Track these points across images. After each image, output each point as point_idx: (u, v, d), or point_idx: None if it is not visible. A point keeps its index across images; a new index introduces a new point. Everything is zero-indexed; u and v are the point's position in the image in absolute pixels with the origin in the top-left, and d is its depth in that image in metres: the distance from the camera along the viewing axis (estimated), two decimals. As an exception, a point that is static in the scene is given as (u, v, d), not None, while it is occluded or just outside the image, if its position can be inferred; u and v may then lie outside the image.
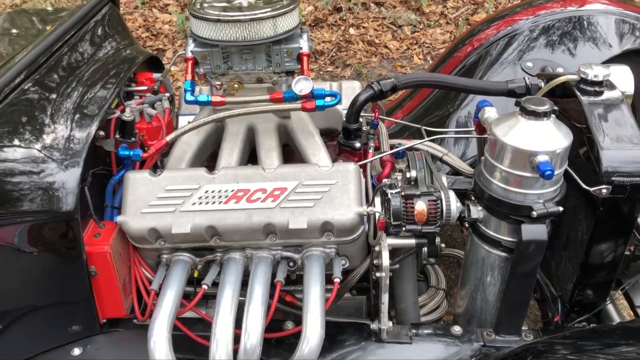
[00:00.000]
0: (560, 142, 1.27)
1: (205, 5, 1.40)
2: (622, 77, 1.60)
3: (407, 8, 4.09)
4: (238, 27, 1.31)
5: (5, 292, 1.24)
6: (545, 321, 1.62)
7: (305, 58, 1.39)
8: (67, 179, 1.22)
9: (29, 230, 1.21)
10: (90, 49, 1.61)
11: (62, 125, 1.30)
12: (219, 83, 1.41)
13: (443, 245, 1.48)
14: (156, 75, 1.60)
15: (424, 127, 1.65)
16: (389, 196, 1.34)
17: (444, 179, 1.45)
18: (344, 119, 1.51)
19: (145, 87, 1.56)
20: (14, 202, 1.20)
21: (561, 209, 1.30)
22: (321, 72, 3.48)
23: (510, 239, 1.35)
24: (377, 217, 1.30)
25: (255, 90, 1.43)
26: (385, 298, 1.34)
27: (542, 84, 1.52)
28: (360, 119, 1.54)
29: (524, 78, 1.55)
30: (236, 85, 1.38)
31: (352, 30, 3.85)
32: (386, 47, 3.70)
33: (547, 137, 1.27)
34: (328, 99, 1.36)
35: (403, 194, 1.34)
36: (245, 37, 1.33)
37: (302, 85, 1.32)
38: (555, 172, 1.24)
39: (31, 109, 1.33)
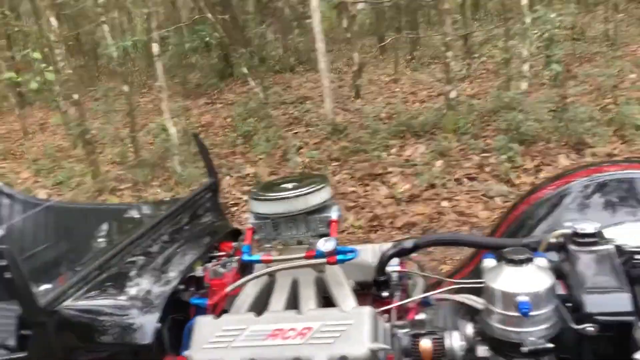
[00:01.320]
0: (539, 284, 1.47)
1: (259, 189, 1.89)
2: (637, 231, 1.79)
3: (499, 180, 4.39)
4: (279, 204, 1.76)
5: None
6: None
7: (333, 224, 1.78)
8: (147, 320, 1.65)
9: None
10: (187, 224, 2.15)
11: (149, 281, 1.78)
12: (269, 245, 1.84)
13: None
14: (234, 244, 2.08)
15: (447, 279, 1.90)
16: (399, 335, 1.58)
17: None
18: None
19: (224, 253, 2.03)
20: (102, 336, 1.65)
21: (551, 345, 1.45)
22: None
23: None
24: (385, 353, 1.54)
25: (297, 250, 1.81)
26: None
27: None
28: (393, 273, 1.85)
29: (543, 234, 1.78)
30: (280, 247, 1.80)
31: (444, 203, 4.20)
32: (476, 216, 3.97)
33: (527, 281, 1.48)
34: (348, 254, 1.71)
35: (411, 333, 1.58)
36: (285, 210, 1.77)
37: (326, 245, 1.69)
38: (540, 311, 1.44)
39: (129, 270, 1.83)
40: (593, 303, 1.47)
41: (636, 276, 1.76)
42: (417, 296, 1.81)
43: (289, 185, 1.85)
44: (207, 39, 9.96)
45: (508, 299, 1.49)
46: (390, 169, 4.97)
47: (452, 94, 5.66)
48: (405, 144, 5.56)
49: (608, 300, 1.47)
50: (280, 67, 10.64)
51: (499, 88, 6.23)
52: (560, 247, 1.68)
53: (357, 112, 6.92)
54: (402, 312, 1.82)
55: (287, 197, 1.76)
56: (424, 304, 1.78)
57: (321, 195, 1.79)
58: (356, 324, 1.62)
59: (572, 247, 1.60)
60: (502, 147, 4.64)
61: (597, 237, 1.60)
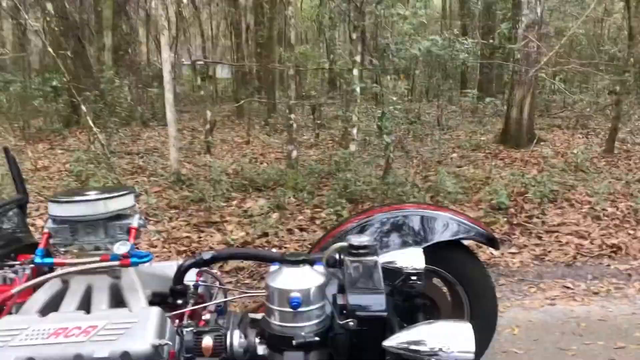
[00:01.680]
0: (311, 283, 1.66)
1: (60, 193, 1.91)
2: (414, 256, 2.08)
3: (326, 231, 4.67)
4: (78, 207, 1.79)
5: None
6: None
7: (133, 231, 1.84)
8: None
9: None
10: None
11: None
12: (65, 250, 1.84)
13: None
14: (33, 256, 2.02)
15: (235, 289, 2.02)
16: (184, 333, 1.66)
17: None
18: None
19: (19, 262, 1.98)
20: None
21: (318, 339, 1.62)
22: (238, 284, 3.88)
23: None
24: (167, 349, 1.60)
25: (93, 256, 1.83)
26: None
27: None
28: (190, 283, 1.93)
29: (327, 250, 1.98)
30: (75, 250, 1.81)
31: (273, 249, 4.37)
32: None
33: (300, 280, 1.66)
34: (143, 258, 1.77)
35: (195, 330, 1.67)
36: (83, 213, 1.79)
37: (120, 248, 1.74)
38: (310, 307, 1.62)
39: None
40: (354, 301, 1.69)
41: (410, 292, 2.04)
42: (208, 303, 1.91)
43: (91, 191, 1.89)
44: (55, 82, 9.59)
45: (282, 295, 1.65)
46: (227, 218, 5.07)
47: (294, 154, 5.99)
48: (247, 197, 5.73)
49: (366, 300, 1.69)
50: (132, 120, 10.49)
51: (336, 153, 6.73)
52: (338, 259, 1.90)
53: (205, 167, 7.01)
54: (197, 317, 1.90)
55: (86, 200, 1.79)
56: (220, 312, 1.88)
57: (122, 202, 1.85)
58: (142, 322, 1.67)
59: (347, 257, 1.82)
60: (331, 201, 4.98)
61: (367, 250, 1.84)
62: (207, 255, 1.92)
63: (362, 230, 2.58)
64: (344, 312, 1.67)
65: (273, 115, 11.43)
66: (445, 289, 2.65)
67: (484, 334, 2.64)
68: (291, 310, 1.62)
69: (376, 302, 1.68)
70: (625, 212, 5.12)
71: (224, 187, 5.65)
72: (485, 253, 4.28)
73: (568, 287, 3.82)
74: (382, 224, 2.60)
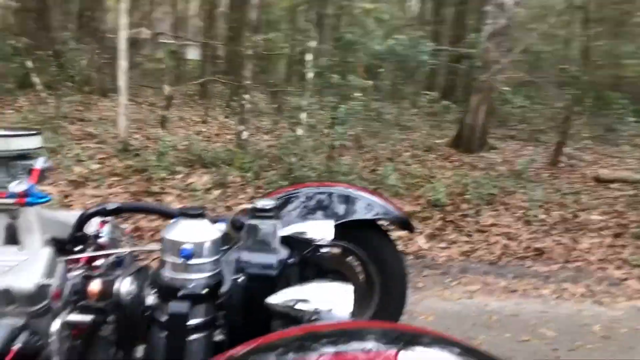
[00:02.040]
0: (204, 237, 1.69)
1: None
2: (324, 228, 2.15)
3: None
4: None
5: None
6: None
7: (35, 171, 1.83)
8: None
9: None
10: None
11: None
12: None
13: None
14: None
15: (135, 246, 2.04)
16: (73, 276, 1.67)
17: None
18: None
19: None
20: None
21: (205, 290, 1.65)
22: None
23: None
24: (53, 289, 1.61)
25: (-7, 195, 1.82)
26: (55, 362, 1.58)
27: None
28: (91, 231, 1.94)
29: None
30: (-28, 188, 1.79)
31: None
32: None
33: (194, 233, 1.69)
34: (41, 198, 1.77)
35: (85, 274, 1.68)
36: (-18, 151, 1.78)
37: (18, 186, 1.74)
38: (202, 260, 1.65)
39: None
40: (246, 258, 1.73)
41: (320, 264, 2.10)
42: (106, 251, 1.92)
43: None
44: (14, 42, 9.32)
45: (175, 247, 1.68)
46: (168, 190, 5.05)
47: (244, 135, 6.01)
48: (192, 173, 5.71)
49: (258, 258, 1.74)
50: (91, 88, 10.29)
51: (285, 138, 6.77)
52: (241, 220, 1.94)
53: (155, 140, 6.95)
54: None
55: (-19, 136, 1.78)
56: (119, 263, 1.90)
57: (26, 142, 1.84)
58: (30, 261, 1.67)
59: (251, 219, 1.86)
60: (273, 182, 5.02)
61: (269, 213, 1.88)
62: (111, 206, 1.93)
63: (286, 201, 2.64)
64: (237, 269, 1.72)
65: (235, 98, 11.37)
66: (359, 268, 2.73)
67: (393, 314, 2.73)
68: (182, 261, 1.65)
69: (267, 261, 1.74)
70: (556, 219, 5.32)
71: (169, 160, 5.62)
72: (414, 245, 4.39)
73: (488, 283, 3.96)
74: (307, 198, 2.66)
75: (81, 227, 1.90)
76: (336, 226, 2.52)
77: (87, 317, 1.66)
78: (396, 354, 1.11)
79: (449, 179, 6.38)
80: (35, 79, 6.41)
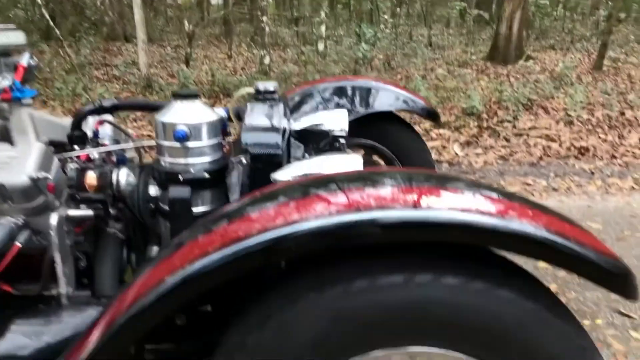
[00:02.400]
0: (200, 117, 1.56)
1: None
2: (338, 117, 2.01)
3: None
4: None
5: None
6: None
7: (20, 68, 1.72)
8: None
9: None
10: None
11: None
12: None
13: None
14: None
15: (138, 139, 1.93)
16: (68, 168, 1.58)
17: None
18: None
19: None
20: None
21: (207, 175, 1.54)
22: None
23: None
24: (46, 182, 1.52)
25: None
26: (58, 258, 1.51)
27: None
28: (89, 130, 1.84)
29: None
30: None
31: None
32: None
33: (190, 114, 1.56)
34: (26, 93, 1.67)
35: (81, 167, 1.58)
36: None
37: (1, 82, 1.64)
38: (200, 144, 1.53)
39: None
40: (249, 139, 1.59)
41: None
42: (105, 147, 1.83)
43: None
44: (34, -8, 9.27)
45: (169, 129, 1.56)
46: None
47: (266, 60, 5.81)
48: (216, 103, 5.60)
49: (261, 138, 1.60)
50: (114, 36, 10.22)
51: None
52: (242, 108, 1.80)
53: (180, 76, 6.84)
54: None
55: (-33, 31, 1.67)
56: (121, 160, 1.80)
57: (8, 37, 1.73)
58: (23, 156, 1.58)
59: (252, 101, 1.72)
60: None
61: (271, 94, 1.74)
62: (107, 102, 1.81)
63: (302, 98, 2.49)
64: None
65: (257, 31, 11.12)
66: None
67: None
68: (179, 144, 1.53)
69: (270, 140, 1.59)
70: (600, 119, 4.99)
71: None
72: (449, 153, 4.19)
73: (528, 184, 3.75)
74: (324, 92, 2.50)
75: (79, 125, 1.79)
76: (358, 122, 2.38)
77: (88, 212, 1.57)
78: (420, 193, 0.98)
79: (484, 89, 6.07)
80: (55, 29, 6.32)
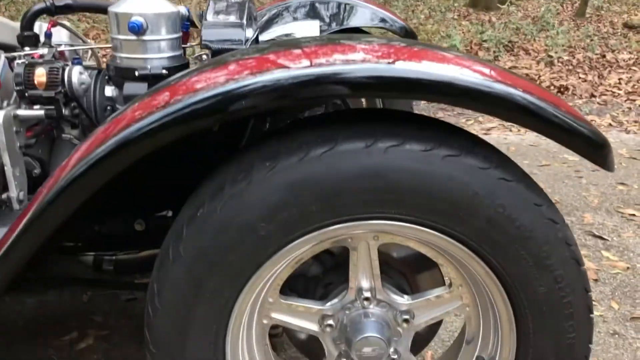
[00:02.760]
0: (157, 8, 1.45)
1: None
2: (310, 28, 1.91)
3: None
4: None
5: None
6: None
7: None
8: None
9: None
10: None
11: None
12: None
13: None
14: None
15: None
16: (15, 65, 1.46)
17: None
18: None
19: None
20: None
21: (165, 72, 1.44)
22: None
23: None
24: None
25: None
26: (7, 159, 1.42)
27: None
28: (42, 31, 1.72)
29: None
30: None
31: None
32: None
33: (147, 4, 1.45)
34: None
35: (29, 62, 1.47)
36: None
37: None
38: (157, 37, 1.42)
39: None
40: (208, 35, 1.49)
41: None
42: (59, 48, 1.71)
43: None
44: None
45: (124, 20, 1.45)
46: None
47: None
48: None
49: (222, 33, 1.50)
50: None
51: None
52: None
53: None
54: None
55: None
56: (77, 63, 1.68)
57: None
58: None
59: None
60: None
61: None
62: (60, 2, 1.68)
63: (275, 13, 2.37)
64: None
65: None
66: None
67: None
68: (134, 37, 1.42)
69: (234, 36, 1.49)
70: (580, 60, 4.94)
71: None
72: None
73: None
74: (300, 7, 2.38)
75: (30, 26, 1.66)
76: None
77: (39, 112, 1.47)
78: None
79: (466, 33, 5.95)
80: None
